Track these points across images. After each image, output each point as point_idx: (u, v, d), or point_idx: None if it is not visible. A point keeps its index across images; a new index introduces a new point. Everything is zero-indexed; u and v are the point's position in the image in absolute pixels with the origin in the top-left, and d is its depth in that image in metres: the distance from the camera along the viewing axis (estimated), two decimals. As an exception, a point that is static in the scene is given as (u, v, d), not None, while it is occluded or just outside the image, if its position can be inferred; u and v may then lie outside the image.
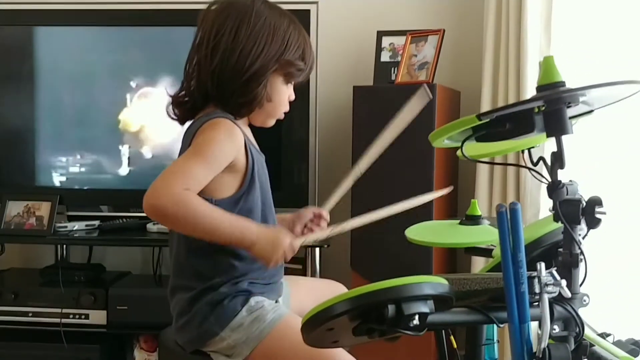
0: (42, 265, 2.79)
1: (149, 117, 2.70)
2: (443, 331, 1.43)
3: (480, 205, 1.59)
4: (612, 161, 2.36)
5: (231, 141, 1.38)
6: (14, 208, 2.66)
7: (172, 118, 1.52)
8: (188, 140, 1.41)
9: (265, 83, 1.44)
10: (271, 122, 1.53)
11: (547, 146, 1.66)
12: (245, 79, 1.41)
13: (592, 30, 2.41)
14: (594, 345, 1.28)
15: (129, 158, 2.75)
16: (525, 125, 1.10)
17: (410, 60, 2.56)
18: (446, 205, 2.57)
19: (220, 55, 1.40)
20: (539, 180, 1.48)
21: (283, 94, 1.50)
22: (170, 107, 1.51)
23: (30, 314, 2.56)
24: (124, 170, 2.76)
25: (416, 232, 1.62)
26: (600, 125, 2.22)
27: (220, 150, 1.36)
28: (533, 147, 1.37)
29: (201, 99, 1.45)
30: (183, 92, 1.49)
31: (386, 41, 2.72)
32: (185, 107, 1.49)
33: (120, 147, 2.75)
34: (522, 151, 1.39)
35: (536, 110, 1.10)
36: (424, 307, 1.01)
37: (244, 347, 1.36)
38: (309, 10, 2.63)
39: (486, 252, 1.71)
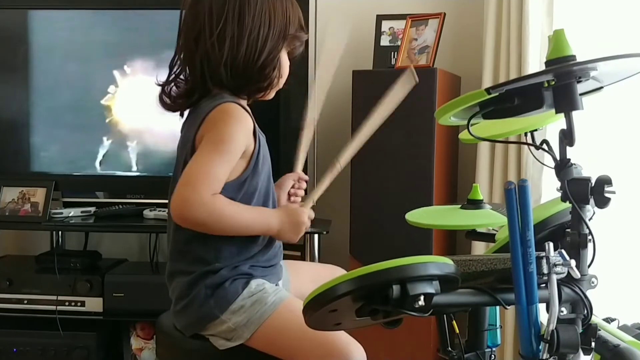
0: (38, 252, 2.76)
1: (145, 102, 2.67)
2: (445, 316, 1.40)
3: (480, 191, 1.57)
4: (620, 142, 2.33)
5: (243, 131, 1.37)
6: (9, 194, 2.63)
7: (168, 108, 1.48)
8: (196, 123, 1.38)
9: (277, 64, 1.42)
10: (272, 95, 1.52)
11: (549, 130, 1.64)
12: (259, 66, 1.39)
13: (595, 14, 2.38)
14: (599, 330, 1.26)
15: (125, 144, 2.72)
16: (534, 100, 1.07)
17: (410, 44, 2.53)
18: (446, 191, 2.55)
19: (229, 44, 1.37)
20: (542, 163, 1.46)
21: (287, 67, 1.49)
22: (165, 97, 1.47)
23: (25, 301, 2.53)
24: (120, 156, 2.73)
25: (417, 216, 1.59)
26: (608, 105, 2.19)
27: (237, 143, 1.36)
28: (536, 130, 1.34)
29: (214, 88, 1.41)
30: (183, 82, 1.45)
31: (386, 25, 2.69)
32: (189, 98, 1.45)
33: (116, 132, 2.71)
34: (525, 134, 1.36)
35: (545, 85, 1.07)
36: (430, 288, 0.98)
37: (244, 330, 1.34)
38: (308, -6, 2.59)
39: (487, 237, 1.68)
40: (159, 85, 1.48)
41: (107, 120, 2.72)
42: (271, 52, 1.40)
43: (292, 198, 1.60)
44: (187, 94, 1.45)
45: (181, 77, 1.46)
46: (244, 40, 1.37)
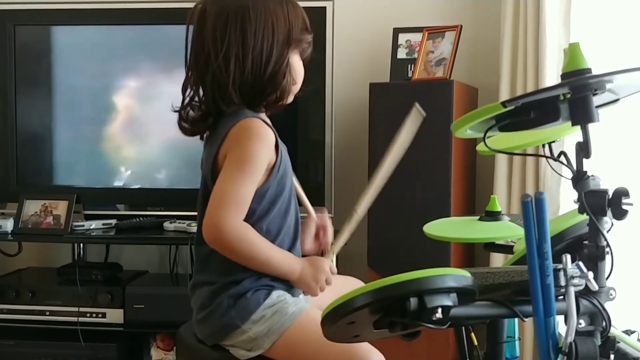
0: (59, 264, 2.79)
1: (166, 115, 2.69)
2: (463, 328, 1.41)
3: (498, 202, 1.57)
4: (638, 153, 2.32)
5: (267, 147, 1.39)
6: (32, 207, 2.67)
7: (188, 133, 1.49)
8: (218, 140, 1.39)
9: (287, 70, 1.42)
10: (291, 99, 1.51)
11: (567, 142, 1.64)
12: (268, 76, 1.40)
13: (612, 25, 2.38)
14: (619, 342, 1.26)
15: (145, 157, 2.75)
16: (550, 113, 1.08)
17: (427, 56, 2.54)
18: (464, 203, 2.55)
19: (234, 64, 1.37)
20: (559, 174, 1.46)
21: (301, 70, 1.49)
22: (183, 122, 1.47)
23: (47, 313, 2.56)
24: (140, 168, 2.76)
25: (435, 228, 1.59)
26: (626, 116, 2.18)
27: (261, 162, 1.38)
28: (554, 142, 1.34)
29: (227, 108, 1.41)
30: (198, 104, 1.45)
31: (402, 38, 2.70)
32: (206, 122, 1.45)
33: (137, 145, 2.75)
34: (543, 145, 1.36)
35: (561, 97, 1.07)
36: (447, 300, 0.99)
37: (264, 340, 1.36)
38: (324, 7, 2.61)
39: (506, 249, 1.68)
40: (176, 111, 1.48)
41: (127, 134, 2.75)
42: (278, 60, 1.40)
43: (316, 243, 1.59)
44: (203, 118, 1.45)
45: (195, 99, 1.46)
46: (249, 56, 1.38)
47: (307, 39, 1.47)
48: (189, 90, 1.46)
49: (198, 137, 1.52)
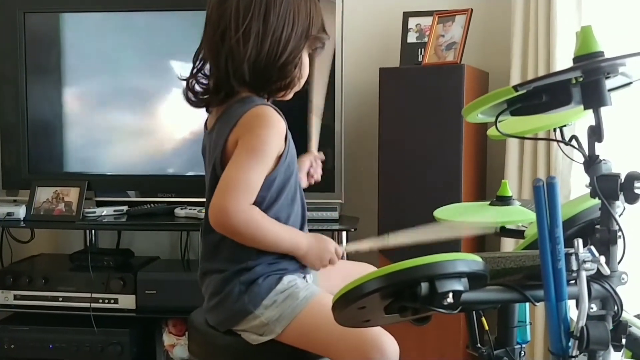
0: (72, 251, 2.81)
1: (177, 102, 2.70)
2: (474, 312, 1.41)
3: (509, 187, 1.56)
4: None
5: (278, 135, 1.40)
6: (43, 194, 2.68)
7: (193, 104, 1.50)
8: (229, 127, 1.39)
9: (299, 63, 1.43)
10: (291, 96, 1.52)
11: (578, 125, 1.63)
12: (280, 64, 1.41)
13: (625, 8, 2.35)
14: (630, 327, 1.25)
15: (156, 143, 2.76)
16: (562, 97, 1.07)
17: (437, 40, 2.52)
18: (475, 188, 2.54)
19: (253, 42, 1.38)
20: (571, 159, 1.45)
21: (308, 68, 1.50)
22: (190, 93, 1.49)
23: (60, 299, 2.58)
24: (151, 155, 2.77)
25: (446, 213, 1.59)
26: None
27: (272, 149, 1.39)
28: (565, 126, 1.33)
29: (237, 85, 1.42)
30: (206, 78, 1.47)
31: (412, 22, 2.68)
32: (215, 95, 1.46)
33: (148, 132, 2.76)
34: (555, 130, 1.35)
35: (573, 81, 1.06)
36: (458, 285, 0.99)
37: (276, 325, 1.36)
38: (334, -8, 2.60)
39: (517, 234, 1.67)
40: (183, 79, 1.50)
41: (138, 120, 2.76)
42: (293, 51, 1.41)
43: (311, 179, 1.65)
44: (214, 91, 1.45)
45: (202, 72, 1.47)
46: (268, 38, 1.39)
47: (323, 39, 1.48)
48: (199, 61, 1.47)
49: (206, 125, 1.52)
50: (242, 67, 1.39)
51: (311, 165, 1.66)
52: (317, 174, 1.68)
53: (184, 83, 1.49)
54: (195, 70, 1.48)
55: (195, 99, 1.49)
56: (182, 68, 2.67)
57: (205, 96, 1.47)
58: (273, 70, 1.41)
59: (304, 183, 1.63)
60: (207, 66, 1.47)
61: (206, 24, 1.45)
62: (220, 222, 1.36)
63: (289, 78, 1.43)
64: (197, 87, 1.48)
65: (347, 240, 2.54)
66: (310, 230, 1.53)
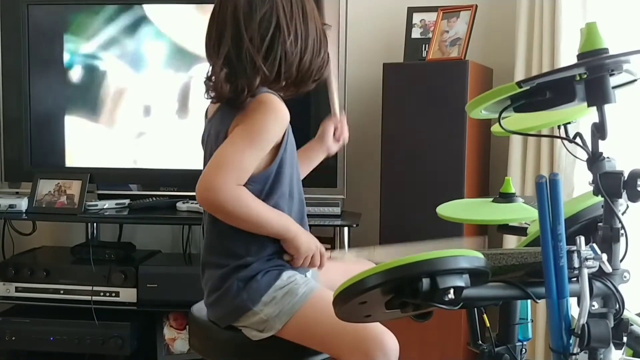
0: (73, 244, 2.81)
1: (179, 95, 2.70)
2: (475, 309, 1.40)
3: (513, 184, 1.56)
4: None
5: (279, 123, 1.39)
6: (45, 187, 2.68)
7: (213, 99, 1.46)
8: (231, 115, 1.39)
9: (327, 59, 1.46)
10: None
11: (582, 123, 1.62)
12: (319, 61, 1.43)
13: (630, 4, 2.34)
14: (632, 325, 1.25)
15: (158, 137, 2.76)
16: (566, 94, 1.07)
17: (441, 36, 2.52)
18: (478, 184, 2.53)
19: (302, 43, 1.39)
20: (574, 156, 1.45)
21: None
22: (211, 91, 1.43)
23: (61, 292, 2.58)
24: (154, 149, 2.77)
25: (448, 210, 1.58)
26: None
27: (270, 135, 1.37)
28: (569, 123, 1.33)
29: (262, 82, 1.39)
30: (226, 74, 1.39)
31: (417, 17, 2.67)
32: (234, 89, 1.38)
33: (150, 125, 2.75)
34: (558, 127, 1.35)
35: (577, 78, 1.06)
36: (459, 281, 0.98)
37: (276, 321, 1.36)
38: (338, -14, 2.59)
39: (520, 231, 1.67)
40: (208, 78, 1.44)
41: (140, 114, 2.76)
42: (325, 47, 1.44)
43: (337, 142, 1.64)
44: (234, 89, 1.39)
45: (222, 68, 1.40)
46: (310, 37, 1.41)
47: (329, 28, 1.50)
48: (223, 61, 1.40)
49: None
50: (292, 70, 1.40)
51: (336, 128, 1.64)
52: (345, 136, 1.65)
53: (205, 82, 1.45)
54: (220, 69, 1.39)
55: (218, 98, 1.44)
56: (186, 62, 2.67)
57: (231, 95, 1.40)
58: (314, 68, 1.43)
59: (333, 148, 1.63)
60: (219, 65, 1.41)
61: (233, 25, 1.38)
62: (206, 198, 1.34)
63: (319, 79, 1.46)
64: (223, 87, 1.39)
65: (349, 237, 2.54)
66: (311, 226, 1.52)
